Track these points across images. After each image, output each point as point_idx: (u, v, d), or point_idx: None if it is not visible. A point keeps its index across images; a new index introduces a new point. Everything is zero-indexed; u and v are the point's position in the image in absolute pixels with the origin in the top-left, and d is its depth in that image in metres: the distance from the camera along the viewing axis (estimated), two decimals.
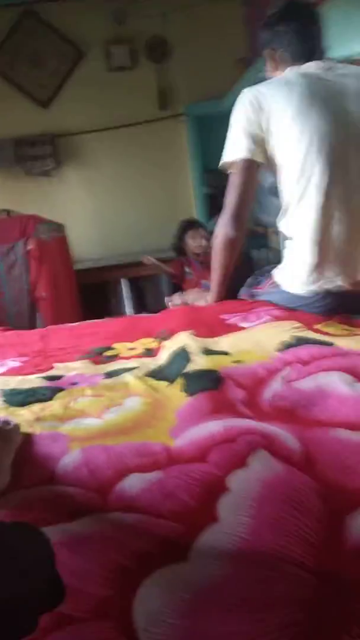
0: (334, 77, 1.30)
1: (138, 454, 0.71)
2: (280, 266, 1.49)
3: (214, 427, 0.71)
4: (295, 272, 1.38)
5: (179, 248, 3.14)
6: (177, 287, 3.38)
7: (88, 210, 4.59)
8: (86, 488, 0.64)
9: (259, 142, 1.32)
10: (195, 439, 0.70)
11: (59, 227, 3.27)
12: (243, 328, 1.26)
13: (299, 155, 1.27)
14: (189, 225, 3.08)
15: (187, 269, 3.16)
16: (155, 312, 1.71)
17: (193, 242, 3.03)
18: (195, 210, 4.54)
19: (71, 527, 0.55)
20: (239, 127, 1.34)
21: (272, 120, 1.29)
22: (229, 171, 1.39)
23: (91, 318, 1.81)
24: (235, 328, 1.28)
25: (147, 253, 3.79)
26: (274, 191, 2.67)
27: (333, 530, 0.47)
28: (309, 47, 1.34)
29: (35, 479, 0.66)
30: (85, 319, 1.86)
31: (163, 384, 0.97)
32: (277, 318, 1.29)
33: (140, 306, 4.49)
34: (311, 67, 1.33)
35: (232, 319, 1.36)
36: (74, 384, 1.04)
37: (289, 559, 0.45)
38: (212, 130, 4.34)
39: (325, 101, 1.26)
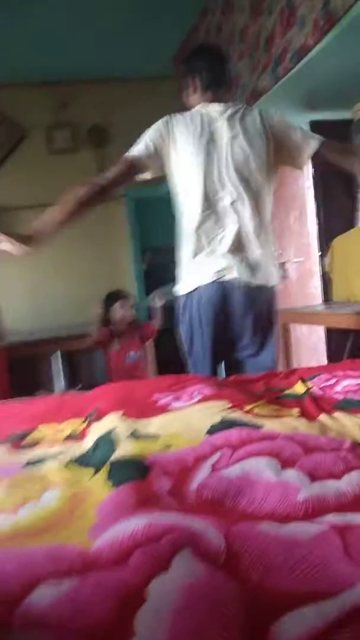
0: (226, 121, 1.65)
1: (52, 560, 0.64)
2: None
3: (136, 524, 0.66)
4: None
5: (105, 318, 3.14)
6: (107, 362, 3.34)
7: (21, 283, 4.54)
8: None
9: (156, 150, 1.65)
10: (115, 539, 0.65)
11: None
12: (175, 409, 1.24)
13: (199, 179, 1.63)
14: (118, 295, 3.12)
15: (113, 340, 3.16)
16: (90, 387, 1.66)
17: (121, 313, 3.06)
18: (131, 285, 4.61)
19: None
20: (146, 135, 1.69)
21: (178, 145, 1.65)
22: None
23: (22, 394, 1.73)
24: (166, 408, 1.25)
25: (83, 327, 3.76)
26: None
27: None
28: (217, 77, 1.72)
29: None
30: (15, 396, 1.77)
31: (87, 473, 0.91)
32: (209, 397, 1.28)
33: (74, 380, 4.37)
34: (214, 109, 1.68)
35: (164, 399, 1.34)
36: None
37: None
38: (150, 211, 4.55)
39: (214, 142, 1.63)
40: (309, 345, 4.08)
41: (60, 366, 4.27)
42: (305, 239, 4.09)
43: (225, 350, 1.80)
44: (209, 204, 1.64)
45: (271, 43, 2.72)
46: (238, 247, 1.68)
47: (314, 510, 0.66)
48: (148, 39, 3.83)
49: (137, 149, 1.66)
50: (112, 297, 3.18)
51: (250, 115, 1.68)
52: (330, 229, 3.10)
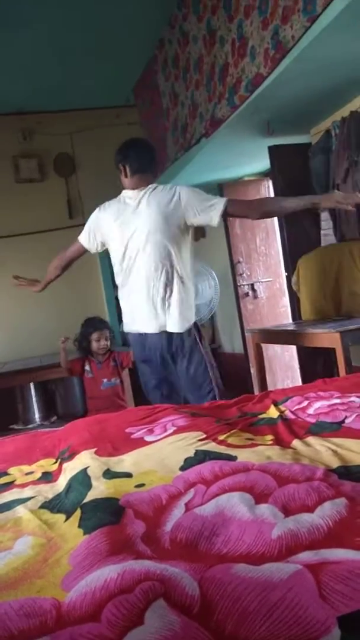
0: (135, 202, 2.14)
1: (24, 615, 0.62)
2: None
3: (109, 574, 0.64)
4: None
5: (83, 346, 3.11)
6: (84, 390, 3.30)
7: None
8: None
9: (92, 234, 2.28)
10: (89, 590, 0.63)
11: None
12: (148, 442, 1.23)
13: (118, 253, 2.20)
14: (96, 325, 3.09)
15: (86, 367, 3.12)
16: (66, 416, 1.63)
17: (97, 344, 3.04)
18: (104, 311, 4.59)
19: None
20: (87, 222, 2.32)
21: (104, 225, 2.23)
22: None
23: None
24: (140, 443, 1.24)
25: (57, 356, 3.71)
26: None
27: None
28: (142, 165, 2.17)
29: None
30: None
31: (60, 518, 0.89)
32: (182, 429, 1.28)
33: (51, 411, 4.28)
34: (128, 194, 2.18)
35: (138, 433, 1.33)
36: None
37: None
38: None
39: (127, 222, 2.14)
40: (283, 363, 4.12)
41: (34, 397, 4.19)
42: (272, 259, 4.17)
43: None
44: (123, 264, 2.20)
45: (226, 72, 2.80)
46: (145, 297, 2.15)
47: (288, 547, 0.65)
48: (110, 70, 3.90)
49: (82, 234, 2.33)
50: (88, 325, 3.15)
51: (162, 192, 2.12)
52: (295, 249, 3.16)
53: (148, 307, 2.13)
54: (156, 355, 2.17)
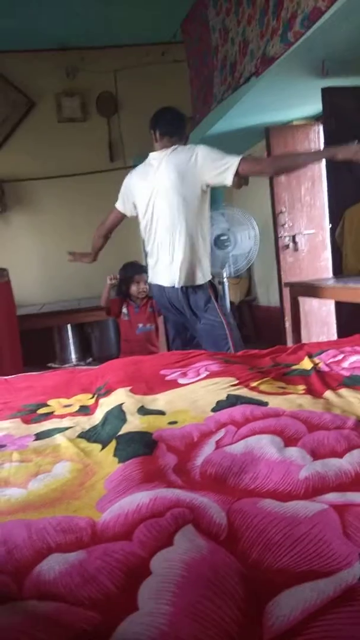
0: (158, 162, 2.24)
1: (61, 531, 0.67)
2: None
3: (142, 499, 0.68)
4: None
5: (122, 289, 3.15)
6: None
7: (33, 255, 4.54)
8: (1, 571, 0.60)
9: (125, 199, 2.43)
10: (122, 512, 0.67)
11: (2, 272, 3.20)
12: (182, 385, 1.26)
13: (142, 210, 2.34)
14: (136, 269, 3.11)
15: (124, 310, 3.17)
16: (101, 359, 1.68)
17: (137, 287, 3.07)
18: (141, 258, 4.59)
19: None
20: (121, 189, 2.46)
21: (133, 187, 2.38)
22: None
23: (34, 365, 1.76)
24: (173, 384, 1.27)
25: (93, 300, 3.77)
26: (219, 244, 2.94)
27: (253, 620, 0.45)
28: (169, 129, 2.28)
29: None
30: (27, 367, 1.80)
31: (96, 447, 0.94)
32: (215, 374, 1.30)
33: (85, 353, 4.41)
34: (154, 156, 2.29)
35: (172, 375, 1.36)
36: (1, 446, 0.99)
37: None
38: None
39: (150, 181, 2.26)
40: (319, 318, 4.06)
41: (71, 338, 4.31)
42: (317, 210, 4.03)
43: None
44: (146, 221, 2.35)
45: (280, 6, 2.60)
46: (163, 252, 2.29)
47: (315, 488, 0.67)
48: (157, 3, 3.70)
49: (118, 201, 2.48)
50: (128, 269, 3.17)
51: (181, 152, 2.21)
52: (342, 199, 3.04)
53: (165, 262, 2.26)
54: (174, 308, 2.32)
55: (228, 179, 2.12)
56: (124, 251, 4.44)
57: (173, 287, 2.26)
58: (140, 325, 3.20)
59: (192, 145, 2.26)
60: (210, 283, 2.29)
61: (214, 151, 2.17)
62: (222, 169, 2.12)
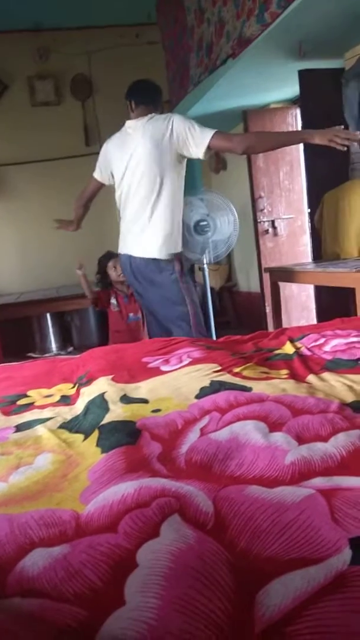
0: (134, 131, 2.23)
1: (45, 524, 0.65)
2: None
3: (126, 489, 0.67)
4: None
5: (104, 281, 3.12)
6: (105, 321, 3.33)
7: (9, 243, 4.45)
8: None
9: (103, 168, 2.43)
10: (106, 504, 0.65)
11: None
12: (164, 372, 1.25)
13: (118, 178, 2.33)
14: (111, 254, 3.07)
15: (113, 301, 3.13)
16: (81, 348, 1.66)
17: (115, 272, 3.03)
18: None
19: None
20: (98, 158, 2.46)
21: (109, 155, 2.37)
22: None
23: (13, 356, 1.73)
24: (156, 372, 1.25)
25: (73, 288, 3.72)
26: (199, 230, 2.93)
27: (243, 610, 0.44)
28: (145, 98, 2.28)
29: None
30: (6, 358, 1.76)
31: (78, 437, 0.92)
32: (198, 361, 1.29)
33: (67, 342, 4.36)
34: (130, 124, 2.28)
35: (154, 362, 1.34)
36: None
37: None
38: None
39: (126, 149, 2.25)
40: (299, 303, 4.09)
41: (51, 327, 4.25)
42: (296, 194, 4.03)
43: None
44: (121, 189, 2.33)
45: None
46: (134, 221, 2.28)
47: (301, 473, 0.67)
48: None
49: (95, 170, 2.47)
50: (101, 259, 3.14)
51: (157, 121, 2.18)
52: (321, 184, 3.03)
53: (136, 232, 2.26)
54: (139, 278, 2.32)
55: (200, 152, 2.11)
56: (102, 238, 4.38)
57: (142, 257, 2.25)
58: (131, 314, 3.17)
59: (168, 114, 2.23)
60: (178, 257, 2.27)
61: (189, 121, 2.14)
62: (197, 141, 2.10)
